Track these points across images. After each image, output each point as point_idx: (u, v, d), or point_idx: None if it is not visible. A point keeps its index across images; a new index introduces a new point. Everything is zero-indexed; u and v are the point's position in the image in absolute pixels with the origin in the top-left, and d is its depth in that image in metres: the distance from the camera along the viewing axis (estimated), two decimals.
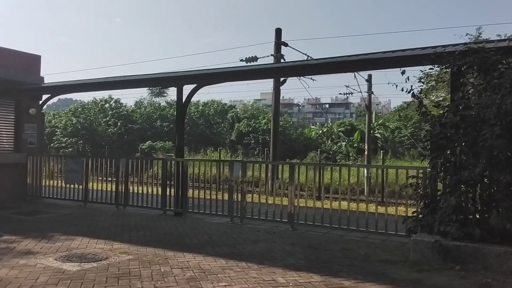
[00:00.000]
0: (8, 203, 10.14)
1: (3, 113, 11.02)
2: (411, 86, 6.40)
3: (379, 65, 7.84)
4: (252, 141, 35.17)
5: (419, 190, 6.26)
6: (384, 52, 7.66)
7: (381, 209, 7.69)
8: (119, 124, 38.03)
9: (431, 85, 20.02)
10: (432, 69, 7.09)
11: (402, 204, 8.27)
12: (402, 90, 6.42)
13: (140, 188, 9.85)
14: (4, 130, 11.06)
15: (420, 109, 6.32)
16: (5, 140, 11.08)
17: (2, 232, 6.96)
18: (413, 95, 6.43)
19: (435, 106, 6.51)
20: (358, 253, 6.05)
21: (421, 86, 6.80)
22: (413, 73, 6.53)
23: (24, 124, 11.22)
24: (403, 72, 6.54)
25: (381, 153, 21.98)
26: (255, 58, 19.14)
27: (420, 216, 6.11)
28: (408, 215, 6.52)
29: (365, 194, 15.33)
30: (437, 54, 6.22)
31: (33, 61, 11.53)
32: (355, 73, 20.81)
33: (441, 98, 18.19)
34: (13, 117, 11.18)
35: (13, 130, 11.17)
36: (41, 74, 11.74)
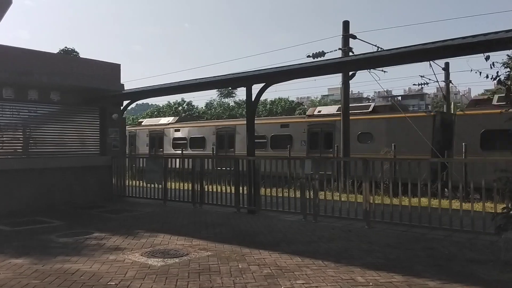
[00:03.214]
0: (97, 202, 11.00)
1: (90, 120, 11.96)
2: (497, 72, 5.89)
3: (459, 51, 7.32)
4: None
5: (510, 184, 5.75)
6: (463, 38, 7.14)
7: (466, 206, 7.19)
8: None
9: None
10: None
11: (490, 200, 7.67)
12: (487, 77, 5.92)
13: (214, 186, 10.16)
14: (91, 135, 12.00)
15: (508, 96, 5.81)
16: (92, 144, 12.01)
17: (92, 229, 7.56)
18: (500, 82, 5.92)
19: None
20: (442, 252, 5.73)
21: (508, 71, 6.24)
22: (497, 59, 6.03)
23: (108, 128, 12.08)
24: (487, 58, 6.03)
25: (463, 145, 20.49)
26: (322, 53, 18.78)
27: (511, 212, 5.62)
28: (497, 211, 6.03)
29: (448, 190, 14.42)
30: None
31: (114, 69, 12.33)
32: (431, 62, 19.65)
33: None
34: (98, 122, 12.09)
35: (98, 135, 12.08)
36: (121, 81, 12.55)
